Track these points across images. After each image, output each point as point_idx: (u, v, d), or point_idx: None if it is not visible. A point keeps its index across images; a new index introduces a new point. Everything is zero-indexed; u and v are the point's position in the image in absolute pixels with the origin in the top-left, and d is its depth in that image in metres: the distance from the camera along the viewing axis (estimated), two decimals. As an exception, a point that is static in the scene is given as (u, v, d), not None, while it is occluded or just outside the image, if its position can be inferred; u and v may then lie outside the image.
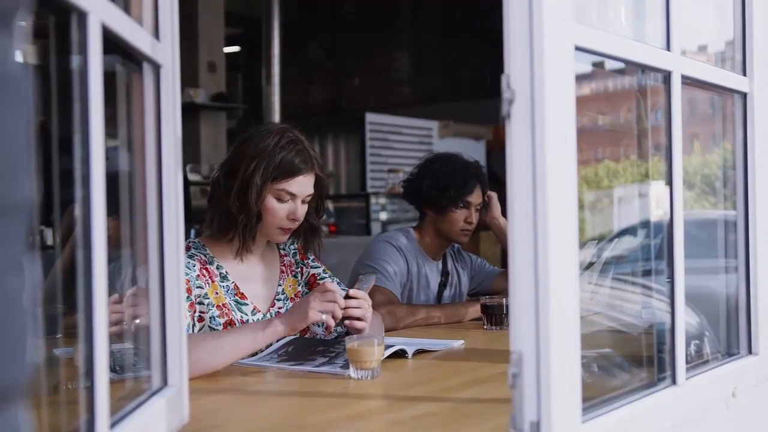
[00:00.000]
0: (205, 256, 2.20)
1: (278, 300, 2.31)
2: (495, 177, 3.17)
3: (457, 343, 2.33)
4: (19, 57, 0.58)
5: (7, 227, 0.55)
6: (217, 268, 2.21)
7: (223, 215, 2.19)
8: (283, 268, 2.37)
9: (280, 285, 2.34)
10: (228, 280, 2.21)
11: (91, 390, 1.00)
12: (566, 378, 1.19)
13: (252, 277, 2.27)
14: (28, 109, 0.58)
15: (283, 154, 2.16)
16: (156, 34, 1.35)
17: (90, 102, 1.01)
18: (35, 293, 0.59)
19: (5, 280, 0.55)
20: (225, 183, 2.18)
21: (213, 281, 2.17)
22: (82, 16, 0.99)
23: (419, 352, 2.16)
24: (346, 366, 1.89)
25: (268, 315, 2.25)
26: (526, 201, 1.17)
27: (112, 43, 1.11)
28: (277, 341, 2.14)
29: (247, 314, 2.20)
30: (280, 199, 2.19)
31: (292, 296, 2.35)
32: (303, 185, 2.21)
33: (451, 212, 2.97)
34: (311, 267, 2.44)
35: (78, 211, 1.00)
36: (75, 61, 1.01)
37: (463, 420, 1.52)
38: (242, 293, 2.22)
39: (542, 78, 1.17)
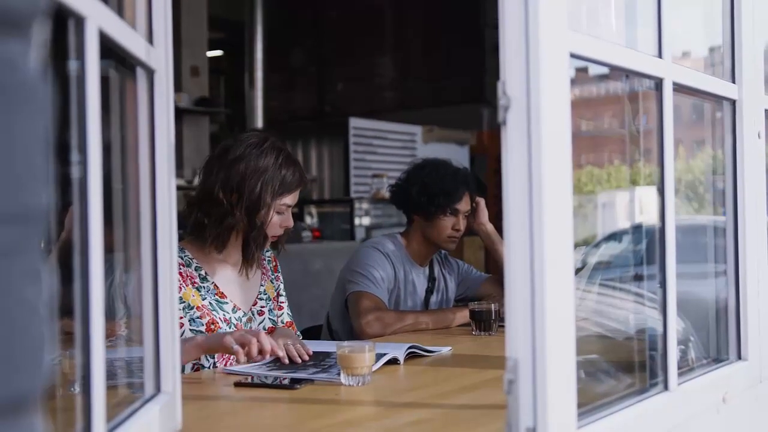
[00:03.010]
0: (182, 258, 2.22)
1: (260, 299, 2.39)
2: (478, 182, 3.17)
3: (446, 350, 2.33)
4: (35, 63, 0.58)
5: (25, 235, 0.55)
6: (196, 269, 2.26)
7: (228, 231, 2.24)
8: (264, 270, 2.45)
9: (262, 285, 2.41)
10: (208, 281, 2.26)
11: (87, 397, 0.99)
12: (562, 384, 1.19)
13: (233, 278, 2.33)
14: (45, 116, 0.58)
15: (284, 171, 2.26)
16: (150, 39, 1.34)
17: (87, 107, 1.00)
18: (51, 302, 0.58)
19: (24, 289, 0.54)
20: (227, 200, 2.21)
21: (188, 284, 2.22)
22: (80, 21, 0.99)
23: (411, 357, 2.16)
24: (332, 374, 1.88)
25: (250, 313, 2.33)
26: (522, 207, 1.17)
27: (107, 48, 1.11)
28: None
29: (228, 312, 2.26)
30: (279, 213, 2.28)
31: (273, 297, 2.44)
32: (297, 196, 2.33)
33: (440, 219, 2.97)
34: (280, 281, 2.51)
35: (75, 215, 0.99)
36: (72, 65, 1.00)
37: (457, 426, 1.52)
38: (222, 293, 2.27)
39: (538, 85, 1.17)
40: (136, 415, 1.23)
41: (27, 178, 0.55)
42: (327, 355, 2.14)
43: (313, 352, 2.21)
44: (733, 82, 1.83)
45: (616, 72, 1.62)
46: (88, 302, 0.99)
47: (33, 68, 0.58)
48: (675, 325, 1.54)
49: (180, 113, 7.39)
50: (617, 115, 1.93)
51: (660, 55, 1.53)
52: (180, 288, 2.17)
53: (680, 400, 1.53)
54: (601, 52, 1.37)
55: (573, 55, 1.26)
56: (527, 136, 1.17)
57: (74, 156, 1.00)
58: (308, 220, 7.31)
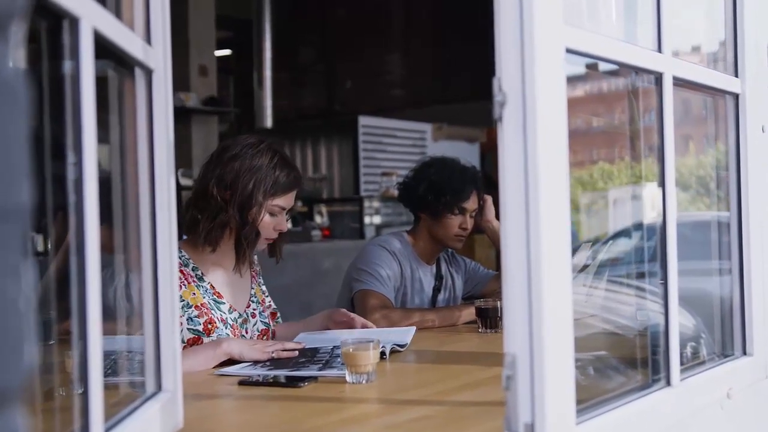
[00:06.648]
0: (180, 259, 2.23)
1: (252, 302, 2.43)
2: (489, 179, 3.16)
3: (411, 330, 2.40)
4: (14, 63, 0.58)
5: (5, 232, 0.55)
6: (193, 270, 2.29)
7: (220, 228, 2.26)
8: (254, 273, 2.49)
9: (252, 288, 2.45)
10: (204, 281, 2.29)
11: (85, 395, 0.99)
12: (560, 380, 1.19)
13: (227, 281, 2.36)
14: (24, 114, 0.59)
15: (278, 172, 2.28)
16: (148, 39, 1.34)
17: (82, 107, 1.00)
18: (32, 298, 0.59)
19: (4, 286, 0.55)
20: (221, 196, 2.23)
21: (189, 283, 2.25)
22: (74, 22, 0.99)
23: (414, 354, 2.17)
24: (341, 369, 1.88)
25: (245, 314, 2.37)
26: (519, 203, 1.17)
27: (104, 48, 1.11)
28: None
29: (224, 312, 2.30)
30: (272, 214, 2.30)
31: (261, 300, 2.47)
32: (292, 200, 2.34)
33: (447, 218, 2.97)
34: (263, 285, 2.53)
35: (71, 216, 1.00)
36: (67, 66, 1.01)
37: (459, 423, 1.52)
38: (218, 293, 2.31)
39: (533, 80, 1.17)
40: (137, 412, 1.23)
41: (7, 176, 0.56)
42: (314, 353, 2.15)
43: (307, 348, 2.21)
44: (736, 75, 1.82)
45: (623, 68, 1.62)
46: (84, 301, 1.00)
47: (12, 68, 0.58)
48: (677, 321, 1.53)
49: (188, 113, 7.39)
50: (627, 110, 1.93)
51: (659, 50, 1.52)
52: (180, 287, 2.19)
53: (683, 395, 1.53)
54: (598, 47, 1.37)
55: (569, 51, 1.26)
56: (523, 132, 1.17)
57: (70, 157, 1.00)
58: (318, 219, 7.31)
